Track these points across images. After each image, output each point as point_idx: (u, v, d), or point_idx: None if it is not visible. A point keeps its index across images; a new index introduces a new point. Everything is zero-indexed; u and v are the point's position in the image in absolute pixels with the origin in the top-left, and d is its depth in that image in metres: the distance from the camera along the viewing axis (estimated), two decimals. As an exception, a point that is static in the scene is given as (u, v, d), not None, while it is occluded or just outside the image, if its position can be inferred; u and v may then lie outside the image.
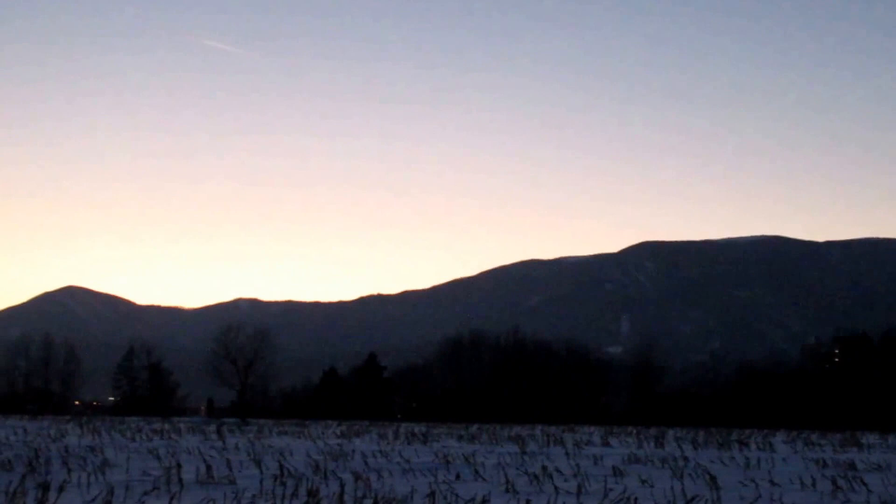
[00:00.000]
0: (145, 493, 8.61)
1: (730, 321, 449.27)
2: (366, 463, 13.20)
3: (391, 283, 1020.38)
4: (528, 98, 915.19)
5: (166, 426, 37.77)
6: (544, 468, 11.94)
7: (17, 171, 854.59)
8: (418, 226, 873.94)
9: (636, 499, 8.60)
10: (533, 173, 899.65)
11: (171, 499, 8.23)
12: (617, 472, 11.74)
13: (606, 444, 22.82)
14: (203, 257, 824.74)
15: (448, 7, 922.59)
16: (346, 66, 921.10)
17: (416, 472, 11.48)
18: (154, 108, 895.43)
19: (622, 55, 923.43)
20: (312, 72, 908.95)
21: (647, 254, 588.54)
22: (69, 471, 10.95)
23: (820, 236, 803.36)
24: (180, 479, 9.66)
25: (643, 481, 10.52)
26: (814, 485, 10.40)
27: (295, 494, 8.56)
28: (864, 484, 10.18)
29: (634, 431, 38.85)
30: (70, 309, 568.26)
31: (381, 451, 16.50)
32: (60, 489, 8.65)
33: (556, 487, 9.58)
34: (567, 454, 16.62)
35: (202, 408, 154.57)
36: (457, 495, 8.66)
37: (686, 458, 15.16)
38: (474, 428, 43.78)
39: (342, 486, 9.00)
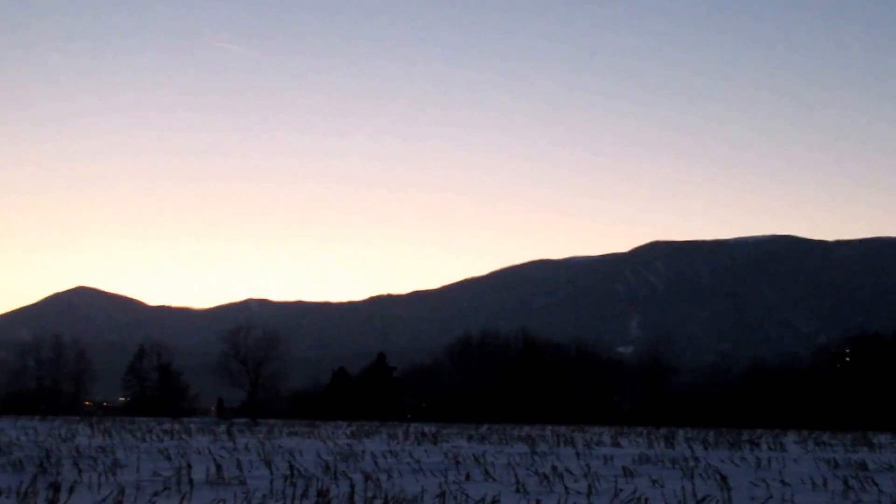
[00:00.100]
0: (156, 494, 8.62)
1: (740, 321, 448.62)
2: (376, 463, 13.20)
3: (401, 284, 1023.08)
4: (538, 98, 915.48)
5: (176, 426, 37.80)
6: (554, 468, 11.93)
7: (26, 172, 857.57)
8: (428, 226, 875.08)
9: (647, 499, 8.59)
10: (543, 173, 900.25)
11: (182, 499, 8.24)
12: (627, 473, 11.72)
13: (617, 444, 22.79)
14: (213, 258, 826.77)
15: (468, 5, 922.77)
16: (358, 66, 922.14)
17: (427, 473, 11.48)
18: (165, 108, 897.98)
19: (634, 55, 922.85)
20: (324, 71, 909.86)
21: (657, 254, 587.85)
22: (80, 471, 10.97)
23: (831, 235, 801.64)
24: (191, 480, 9.67)
25: (654, 481, 10.50)
26: (825, 485, 10.37)
27: (305, 495, 8.56)
28: (876, 484, 10.15)
29: (645, 431, 38.79)
30: (80, 309, 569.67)
31: (391, 452, 16.50)
32: (71, 489, 8.66)
33: (566, 488, 9.57)
34: (577, 454, 16.60)
35: (212, 408, 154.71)
36: (467, 495, 8.65)
37: (696, 459, 15.13)
38: (484, 428, 43.76)
39: (352, 486, 9.00)
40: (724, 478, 10.52)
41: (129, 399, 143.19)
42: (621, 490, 9.43)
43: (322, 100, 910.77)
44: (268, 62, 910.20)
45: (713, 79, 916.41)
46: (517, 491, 9.36)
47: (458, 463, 13.42)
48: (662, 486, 9.99)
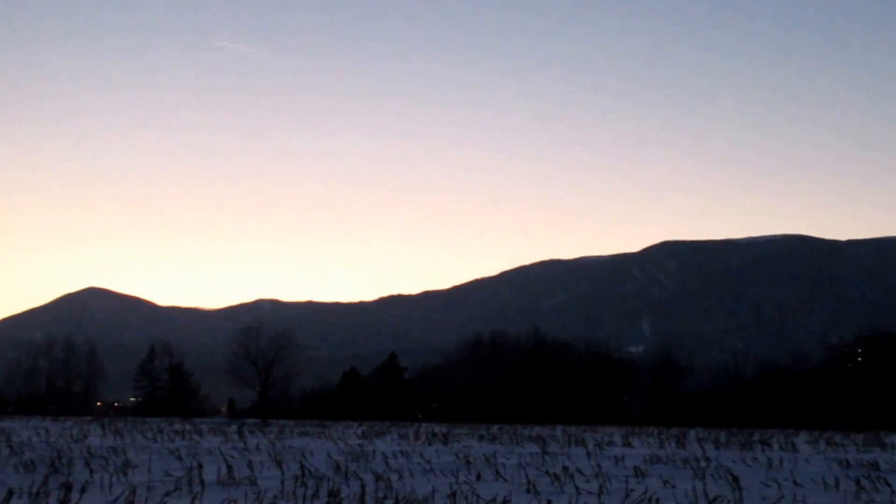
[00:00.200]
0: (167, 494, 8.63)
1: (751, 320, 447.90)
2: (387, 463, 13.20)
3: (412, 284, 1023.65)
4: (548, 99, 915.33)
5: (187, 427, 37.89)
6: (565, 468, 11.93)
7: (37, 173, 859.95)
8: (439, 227, 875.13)
9: (658, 499, 8.58)
10: (553, 174, 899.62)
11: (193, 499, 8.25)
12: (638, 473, 11.71)
13: (628, 444, 22.77)
14: (224, 258, 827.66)
15: (484, 7, 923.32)
16: (368, 67, 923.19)
17: (437, 473, 11.48)
18: (175, 108, 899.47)
19: (643, 55, 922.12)
20: (334, 72, 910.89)
21: (668, 253, 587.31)
22: (91, 471, 11.00)
23: (842, 235, 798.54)
24: (202, 480, 9.68)
25: (665, 482, 10.49)
26: (837, 485, 10.35)
27: (316, 495, 8.57)
28: (888, 484, 10.12)
29: (656, 432, 38.77)
30: (91, 310, 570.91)
31: (401, 452, 16.51)
32: (83, 490, 8.68)
33: (577, 488, 9.57)
34: (588, 454, 16.59)
35: (223, 408, 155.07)
36: (478, 496, 8.65)
37: (708, 459, 15.11)
38: (495, 428, 43.78)
39: (363, 486, 9.01)
40: (735, 478, 10.50)
41: (140, 399, 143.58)
42: (632, 490, 9.41)
43: (333, 101, 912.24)
44: (284, 63, 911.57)
45: (724, 78, 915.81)
46: (528, 491, 9.36)
47: (468, 463, 13.42)
48: (674, 487, 9.97)
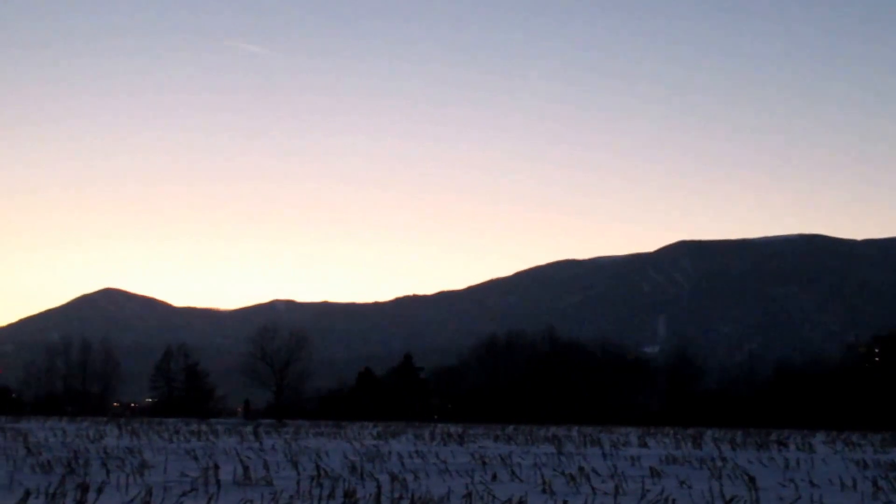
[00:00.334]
0: (183, 494, 8.65)
1: (768, 321, 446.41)
2: (402, 464, 13.21)
3: (427, 284, 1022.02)
4: (564, 100, 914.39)
5: (203, 427, 37.99)
6: (581, 469, 11.91)
7: (54, 174, 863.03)
8: (454, 227, 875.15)
9: (674, 500, 8.56)
10: (568, 174, 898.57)
11: (209, 500, 8.27)
12: (654, 473, 11.69)
13: (643, 444, 22.74)
14: (239, 259, 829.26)
15: (495, 8, 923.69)
16: (379, 67, 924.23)
17: (453, 473, 11.48)
18: (191, 110, 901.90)
19: (658, 55, 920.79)
20: (345, 73, 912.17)
21: (684, 253, 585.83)
22: (108, 472, 11.03)
23: (858, 234, 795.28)
24: (218, 481, 9.71)
25: (681, 482, 10.47)
26: (854, 486, 10.31)
27: (332, 495, 8.58)
28: (906, 485, 10.08)
29: (672, 432, 38.70)
30: (108, 311, 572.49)
31: (417, 452, 16.51)
32: (99, 490, 8.71)
33: (593, 488, 9.55)
34: (604, 455, 16.58)
35: (239, 409, 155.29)
36: (493, 496, 8.65)
37: (724, 459, 15.07)
38: (510, 428, 43.77)
39: (379, 487, 9.01)
40: (752, 478, 10.47)
41: (156, 400, 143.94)
42: (648, 491, 9.40)
43: (346, 103, 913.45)
44: (296, 64, 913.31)
45: (740, 79, 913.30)
46: (544, 492, 9.35)
47: (484, 463, 13.42)
48: (690, 487, 9.95)
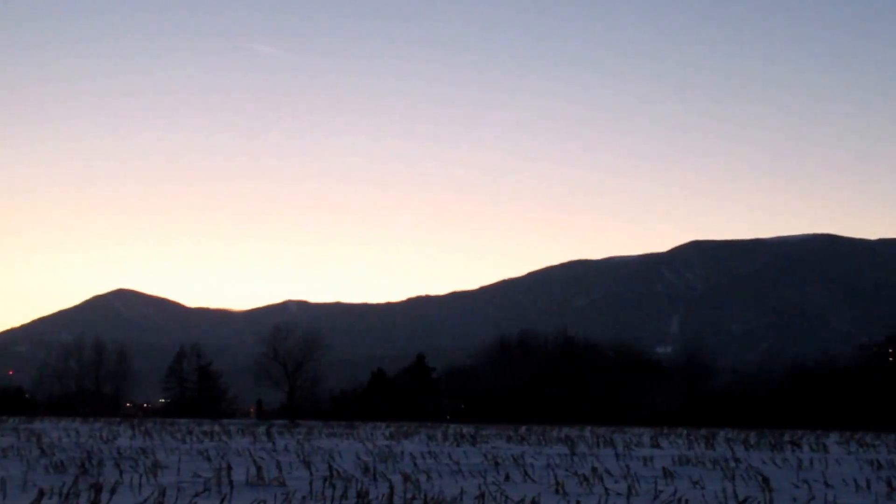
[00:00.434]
0: (196, 495, 8.67)
1: (781, 320, 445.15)
2: (415, 464, 13.21)
3: (439, 284, 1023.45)
4: (577, 101, 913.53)
5: (216, 428, 38.04)
6: (594, 469, 11.90)
7: (66, 175, 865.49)
8: (466, 227, 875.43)
9: (687, 500, 8.54)
10: (581, 174, 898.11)
11: (222, 500, 8.28)
12: (667, 474, 11.66)
13: (656, 445, 22.70)
14: (252, 259, 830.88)
15: (504, 9, 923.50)
16: (389, 68, 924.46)
17: (466, 474, 11.48)
18: (201, 112, 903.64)
19: (668, 55, 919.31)
20: (355, 73, 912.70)
21: (697, 253, 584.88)
22: (121, 472, 11.06)
23: (872, 234, 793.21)
24: (231, 481, 9.72)
25: (694, 483, 10.45)
26: (868, 486, 10.28)
27: (344, 496, 8.58)
28: (920, 485, 10.04)
29: (685, 432, 38.63)
30: (120, 311, 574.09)
31: (430, 453, 16.51)
32: (113, 491, 8.73)
33: (605, 489, 9.54)
34: (617, 455, 16.55)
35: (252, 409, 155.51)
36: (506, 497, 8.64)
37: (737, 460, 15.04)
38: (523, 429, 43.74)
39: (391, 487, 9.01)
40: (765, 479, 10.45)
41: (169, 400, 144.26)
42: (661, 491, 9.38)
43: (357, 104, 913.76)
44: (310, 64, 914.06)
45: (752, 79, 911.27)
46: (556, 492, 9.34)
47: (497, 464, 13.41)
48: (703, 488, 9.93)
